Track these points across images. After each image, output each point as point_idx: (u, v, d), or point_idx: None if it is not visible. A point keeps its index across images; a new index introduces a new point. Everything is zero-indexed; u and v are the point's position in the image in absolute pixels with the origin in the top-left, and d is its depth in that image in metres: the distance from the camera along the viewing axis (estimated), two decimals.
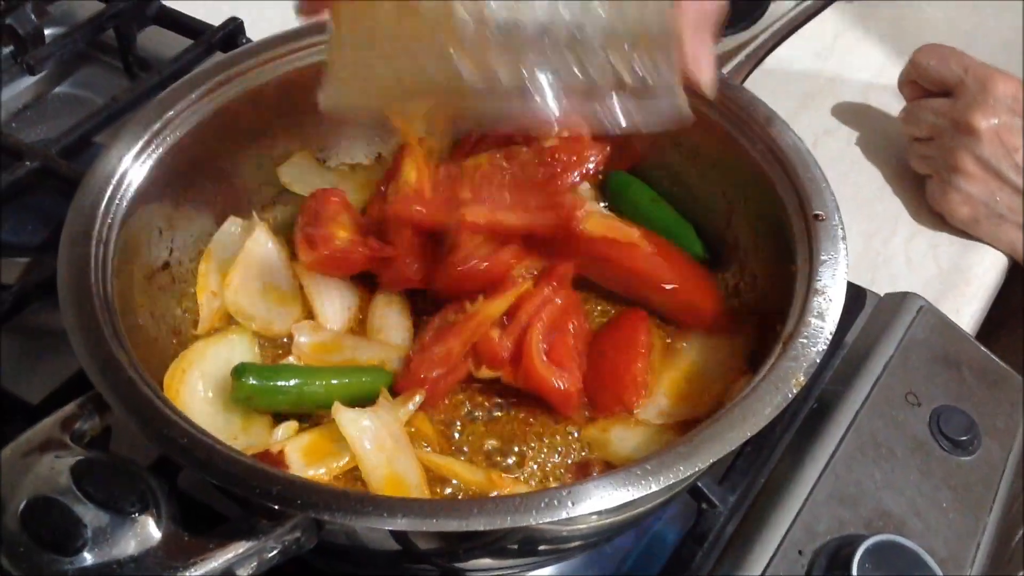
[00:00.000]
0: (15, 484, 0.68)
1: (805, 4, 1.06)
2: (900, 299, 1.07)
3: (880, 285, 1.12)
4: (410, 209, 0.95)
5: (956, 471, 0.94)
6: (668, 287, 0.98)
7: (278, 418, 0.90)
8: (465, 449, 0.91)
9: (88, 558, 0.65)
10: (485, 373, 0.92)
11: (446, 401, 0.93)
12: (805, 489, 0.90)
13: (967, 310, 1.17)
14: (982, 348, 1.05)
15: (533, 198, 0.97)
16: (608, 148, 1.07)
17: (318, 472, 0.84)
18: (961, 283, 1.19)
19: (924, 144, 1.24)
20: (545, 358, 0.90)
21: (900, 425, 0.96)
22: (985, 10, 1.53)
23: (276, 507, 0.68)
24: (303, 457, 0.84)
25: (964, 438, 0.96)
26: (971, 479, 0.94)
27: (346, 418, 0.84)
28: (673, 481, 0.69)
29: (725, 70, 1.04)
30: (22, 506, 0.66)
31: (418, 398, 0.90)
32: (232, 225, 1.02)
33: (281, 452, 0.83)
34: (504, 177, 1.03)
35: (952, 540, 0.89)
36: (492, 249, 0.95)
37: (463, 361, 0.92)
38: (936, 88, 1.23)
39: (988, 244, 1.23)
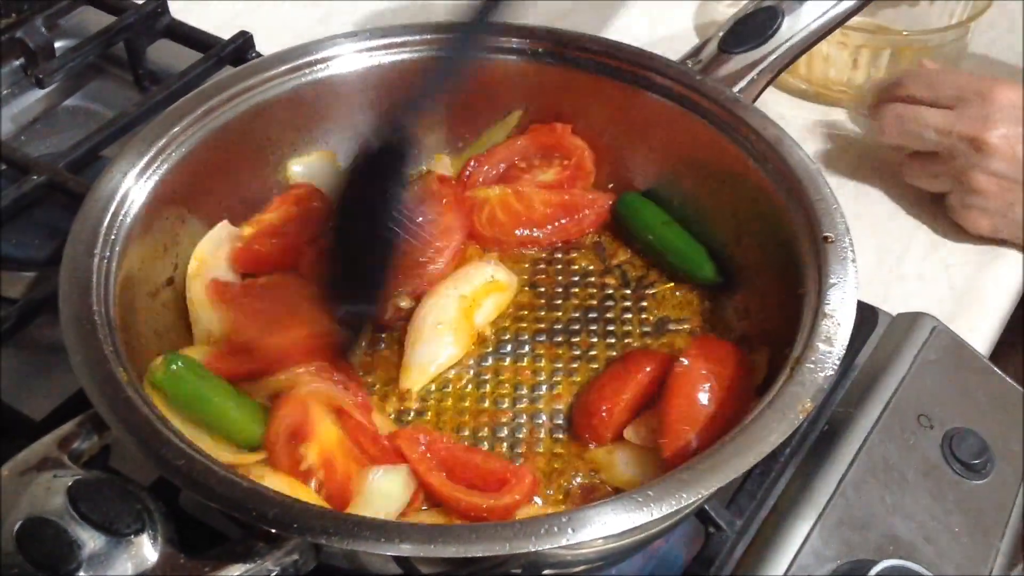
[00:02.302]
0: (11, 504, 0.67)
1: (818, 24, 1.05)
2: (912, 319, 1.05)
3: (892, 304, 1.11)
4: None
5: (968, 495, 0.93)
6: None
7: None
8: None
9: None
10: None
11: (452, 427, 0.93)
12: (814, 513, 0.89)
13: (981, 330, 1.15)
14: (996, 369, 1.04)
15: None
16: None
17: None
18: (975, 303, 1.18)
19: (929, 161, 1.22)
20: None
21: (912, 448, 0.94)
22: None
23: (273, 530, 0.67)
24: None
25: (977, 461, 0.94)
26: (984, 503, 0.93)
27: None
28: (675, 508, 0.68)
29: (736, 89, 1.02)
30: (17, 526, 0.66)
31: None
32: (220, 230, 1.01)
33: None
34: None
35: (964, 566, 0.88)
36: None
37: None
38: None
39: (1012, 247, 1.22)
